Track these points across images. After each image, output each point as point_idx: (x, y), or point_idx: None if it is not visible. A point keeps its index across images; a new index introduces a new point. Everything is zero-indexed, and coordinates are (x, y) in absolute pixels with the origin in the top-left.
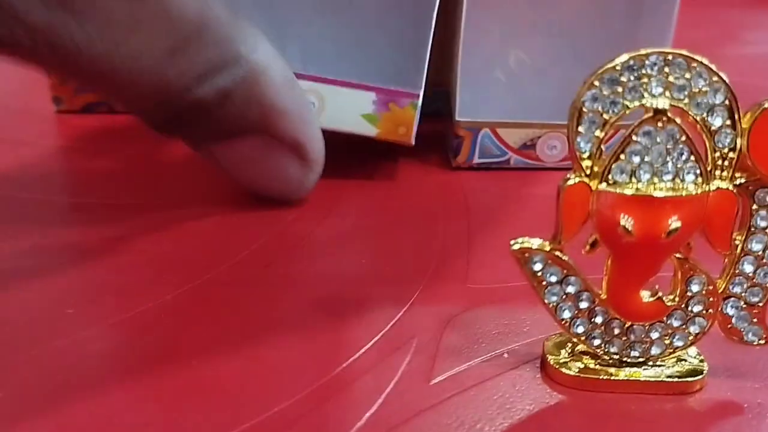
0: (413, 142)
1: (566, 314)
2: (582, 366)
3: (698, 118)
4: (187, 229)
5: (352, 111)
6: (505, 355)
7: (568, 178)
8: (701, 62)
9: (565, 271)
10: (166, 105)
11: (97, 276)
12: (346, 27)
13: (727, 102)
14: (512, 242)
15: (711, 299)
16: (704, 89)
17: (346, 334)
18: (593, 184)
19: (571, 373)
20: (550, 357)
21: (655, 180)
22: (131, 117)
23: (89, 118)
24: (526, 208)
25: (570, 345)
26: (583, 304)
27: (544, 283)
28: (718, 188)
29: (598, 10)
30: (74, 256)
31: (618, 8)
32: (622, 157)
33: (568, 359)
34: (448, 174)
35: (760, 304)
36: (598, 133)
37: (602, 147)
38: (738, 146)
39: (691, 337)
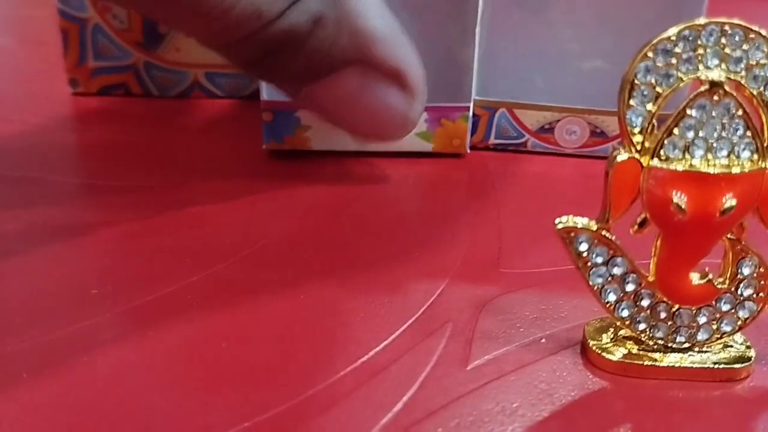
0: (468, 151)
1: (611, 297)
2: (625, 351)
3: (755, 92)
4: (206, 212)
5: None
6: (543, 341)
7: (618, 154)
8: (759, 33)
9: (611, 252)
10: (259, 36)
11: (117, 258)
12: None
13: None
14: (557, 221)
15: (762, 282)
16: (762, 62)
17: (377, 318)
18: (644, 160)
19: (614, 358)
20: (591, 342)
21: (710, 156)
22: (148, 101)
23: (106, 100)
24: (551, 192)
25: (612, 330)
26: (630, 287)
27: (589, 264)
28: None
29: None
30: (94, 238)
31: None
32: (676, 131)
33: (611, 344)
34: (468, 158)
35: None
36: (650, 107)
37: (654, 121)
38: None
39: (739, 322)
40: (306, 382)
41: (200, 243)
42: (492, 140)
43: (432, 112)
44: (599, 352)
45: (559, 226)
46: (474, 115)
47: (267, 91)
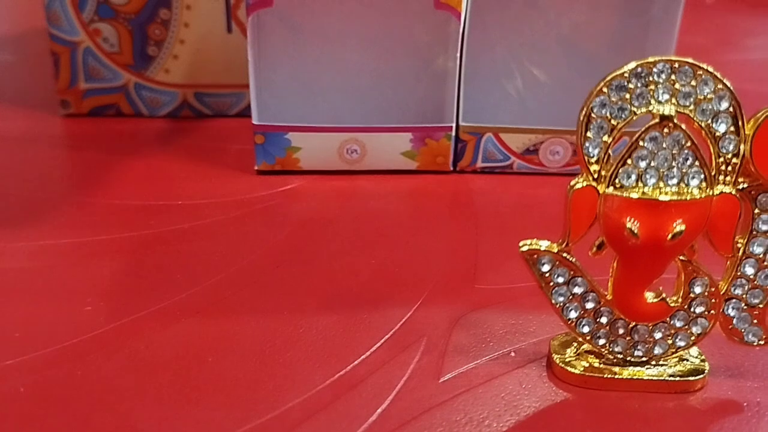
0: (451, 168)
1: (572, 314)
2: (587, 365)
3: (703, 125)
4: (195, 230)
5: (391, 151)
6: (512, 354)
7: (576, 182)
8: (707, 70)
9: (572, 273)
10: None
11: (108, 274)
12: (378, 74)
13: (731, 109)
14: (521, 244)
15: (713, 300)
16: (709, 96)
17: (356, 333)
18: (600, 187)
19: (577, 371)
20: (556, 356)
21: (661, 184)
22: (138, 120)
23: (97, 121)
24: (530, 211)
25: (575, 344)
26: (589, 305)
27: (551, 283)
28: (721, 193)
29: (602, 21)
30: (86, 255)
31: (621, 19)
32: (629, 161)
33: (574, 358)
34: (453, 177)
35: (761, 306)
36: (606, 138)
37: (609, 152)
38: (741, 152)
39: (693, 338)
40: (286, 395)
41: (189, 260)
42: (479, 164)
43: (417, 132)
44: (563, 365)
45: (523, 248)
46: (461, 140)
47: (258, 115)
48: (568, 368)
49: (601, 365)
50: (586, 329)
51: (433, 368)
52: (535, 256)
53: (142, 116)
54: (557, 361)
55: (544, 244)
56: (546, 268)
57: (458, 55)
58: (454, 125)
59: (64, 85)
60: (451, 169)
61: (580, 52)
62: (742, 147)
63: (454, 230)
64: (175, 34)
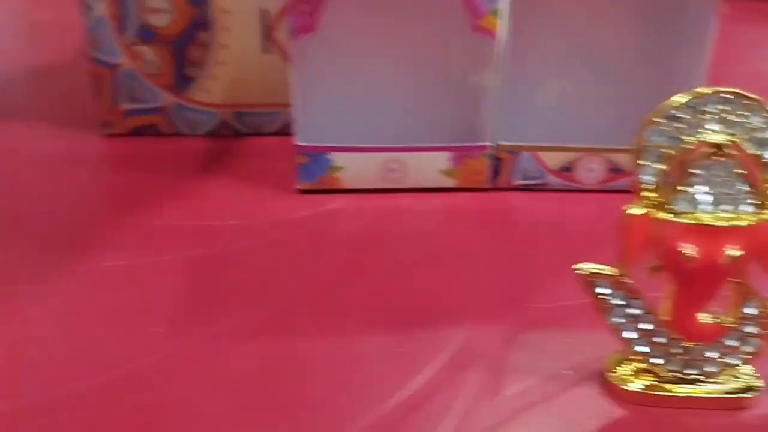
0: (488, 185)
1: (629, 335)
2: (642, 383)
3: (754, 152)
4: (246, 250)
5: (431, 170)
6: (568, 373)
7: (631, 208)
8: (756, 99)
9: (629, 295)
10: None
11: (169, 295)
12: (416, 95)
13: None
14: (577, 267)
15: (765, 321)
16: (760, 126)
17: (416, 352)
18: (655, 213)
19: (632, 389)
20: (611, 374)
21: (715, 210)
22: (177, 139)
23: (137, 141)
24: (570, 228)
25: (630, 363)
26: (645, 326)
27: (608, 305)
28: None
29: (635, 38)
30: (143, 276)
31: (654, 35)
32: (683, 188)
33: (629, 376)
34: (490, 194)
35: None
36: (659, 166)
37: (663, 178)
38: None
39: (746, 356)
40: (354, 414)
41: (245, 280)
42: (516, 181)
43: (455, 151)
44: (618, 383)
45: (580, 272)
46: (498, 158)
47: (301, 136)
48: (624, 386)
49: (656, 383)
50: (642, 349)
51: (492, 387)
52: (593, 279)
53: (182, 135)
54: (613, 380)
55: (600, 268)
56: (603, 290)
57: (495, 75)
58: (491, 144)
59: (105, 107)
60: (488, 186)
61: (615, 70)
62: None
63: (497, 247)
64: (214, 55)
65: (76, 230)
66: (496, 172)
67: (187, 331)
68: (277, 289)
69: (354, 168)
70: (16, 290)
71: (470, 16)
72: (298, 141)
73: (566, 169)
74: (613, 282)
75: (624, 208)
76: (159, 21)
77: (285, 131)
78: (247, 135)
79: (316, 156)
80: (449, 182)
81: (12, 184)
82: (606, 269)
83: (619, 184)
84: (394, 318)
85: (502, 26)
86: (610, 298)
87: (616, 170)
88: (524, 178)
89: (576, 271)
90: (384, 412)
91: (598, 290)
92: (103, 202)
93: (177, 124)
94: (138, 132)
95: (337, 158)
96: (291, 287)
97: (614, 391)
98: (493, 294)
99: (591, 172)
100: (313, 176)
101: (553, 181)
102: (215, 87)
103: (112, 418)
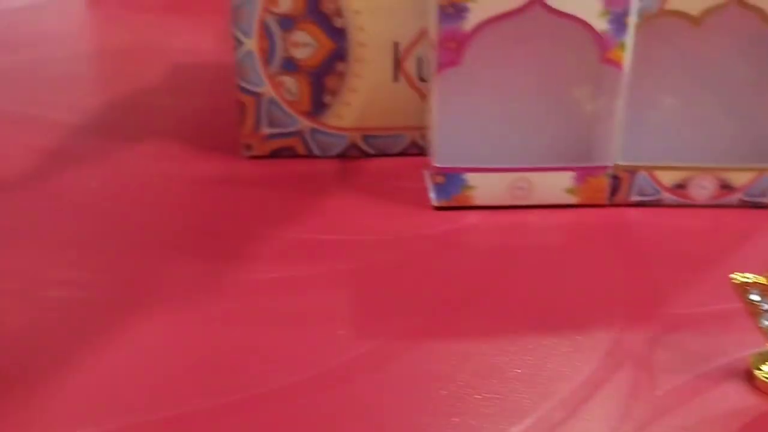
0: (607, 202)
1: None
2: None
3: None
4: (398, 261)
5: (556, 188)
6: (714, 371)
7: None
8: None
9: None
10: None
11: (344, 301)
12: (542, 118)
13: None
14: (732, 276)
15: None
16: None
17: (573, 353)
18: None
19: None
20: (757, 371)
21: None
22: (311, 160)
23: (276, 162)
24: (688, 240)
25: None
26: None
27: (759, 309)
28: None
29: (745, 65)
30: (313, 286)
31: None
32: None
33: None
34: (609, 210)
35: None
36: None
37: None
38: None
39: None
40: (529, 409)
41: (406, 287)
42: (632, 198)
43: (579, 171)
44: (765, 379)
45: (735, 281)
46: (617, 177)
47: (439, 158)
48: None
49: None
50: None
51: (648, 384)
52: (746, 287)
53: (315, 157)
54: (759, 376)
55: (752, 277)
56: (755, 297)
57: (618, 101)
58: (611, 164)
59: (248, 131)
60: (607, 202)
61: (727, 95)
62: None
63: (623, 258)
64: (348, 84)
65: (242, 245)
66: (614, 189)
67: (374, 333)
68: (438, 295)
69: (485, 187)
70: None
71: (600, 49)
72: (436, 163)
73: (680, 186)
74: (764, 289)
75: None
76: (301, 54)
77: (408, 152)
78: (373, 156)
79: (453, 176)
80: (572, 199)
81: (168, 203)
82: (757, 277)
83: (729, 200)
84: (547, 322)
85: (626, 57)
86: (762, 303)
87: (726, 187)
88: (640, 195)
89: (733, 281)
90: (556, 405)
91: (752, 297)
92: (251, 218)
93: (311, 146)
94: (276, 154)
95: (471, 178)
96: (443, 294)
97: (761, 386)
98: (629, 301)
99: (703, 189)
100: (448, 195)
101: (667, 197)
102: (347, 112)
103: (308, 415)
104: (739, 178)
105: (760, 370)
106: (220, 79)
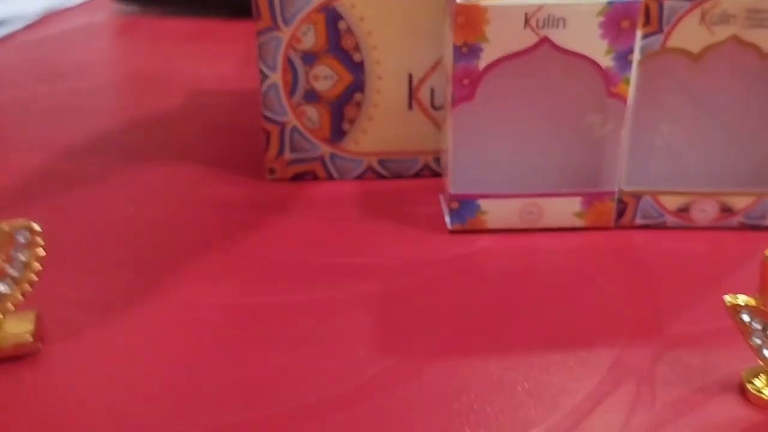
0: (613, 225)
1: (767, 353)
2: None
3: None
4: (417, 285)
5: (564, 212)
6: (709, 385)
7: None
8: None
9: (767, 321)
10: None
11: (366, 324)
12: (551, 147)
13: None
14: (726, 298)
15: None
16: None
17: (578, 370)
18: None
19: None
20: (749, 385)
21: None
22: (330, 183)
23: (297, 185)
24: (690, 262)
25: (764, 375)
26: None
27: (750, 329)
28: None
29: (743, 97)
30: (335, 310)
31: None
32: None
33: (765, 386)
34: (614, 232)
35: None
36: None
37: None
38: None
39: None
40: (538, 422)
41: (424, 310)
42: (637, 221)
43: (586, 197)
44: (756, 392)
45: (728, 303)
46: (622, 201)
47: (454, 186)
48: (761, 395)
49: None
50: None
51: (649, 398)
52: (738, 308)
53: (334, 179)
54: (751, 389)
55: (743, 299)
56: (746, 318)
57: (623, 132)
58: (617, 189)
59: (272, 156)
60: (613, 225)
61: (725, 126)
62: None
63: (629, 279)
64: (366, 112)
65: (265, 268)
66: (620, 213)
67: (391, 353)
68: (446, 317)
69: (498, 211)
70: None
71: (606, 84)
72: (452, 190)
73: (682, 210)
74: (753, 311)
75: (766, 252)
76: (322, 86)
77: (422, 174)
78: (389, 178)
79: (467, 203)
80: (579, 223)
81: (193, 226)
82: (748, 299)
83: (729, 223)
84: (555, 341)
85: (631, 91)
86: (752, 323)
87: (726, 210)
88: (644, 218)
89: (726, 302)
90: (557, 422)
91: (743, 317)
92: (276, 242)
93: (330, 170)
94: (297, 177)
95: (484, 204)
96: (457, 316)
97: (752, 399)
98: (633, 319)
99: (704, 212)
100: (463, 219)
101: (670, 220)
102: (364, 139)
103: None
104: (739, 202)
105: (752, 383)
106: (242, 105)
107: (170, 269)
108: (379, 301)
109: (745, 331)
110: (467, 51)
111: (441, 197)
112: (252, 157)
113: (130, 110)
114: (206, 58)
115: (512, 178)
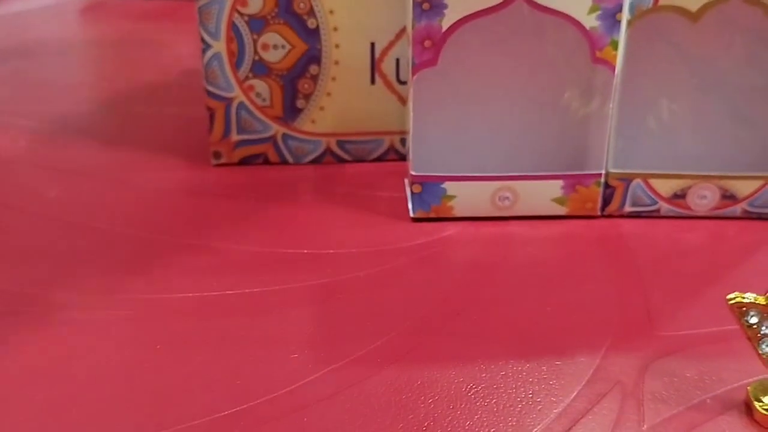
0: (600, 213)
1: None
2: None
3: None
4: (370, 277)
5: (542, 198)
6: (708, 401)
7: None
8: None
9: None
10: None
11: (304, 322)
12: (527, 124)
13: None
14: (729, 297)
15: None
16: None
17: (551, 380)
18: None
19: None
20: (757, 403)
21: None
22: (283, 167)
23: (246, 170)
24: (686, 256)
25: None
26: None
27: (759, 334)
28: None
29: (748, 66)
30: (275, 303)
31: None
32: None
33: None
34: (600, 221)
35: None
36: None
37: None
38: None
39: None
40: None
41: (373, 307)
42: (627, 208)
43: (568, 179)
44: (765, 412)
45: (731, 301)
46: (609, 186)
47: (416, 166)
48: None
49: None
50: None
51: (635, 417)
52: (743, 308)
53: (288, 164)
54: (759, 408)
55: (750, 297)
56: (754, 320)
57: (610, 104)
58: (603, 172)
59: (217, 138)
60: (598, 213)
61: (727, 99)
62: None
63: (615, 275)
64: (323, 87)
65: (204, 258)
66: (606, 199)
67: (330, 357)
68: (408, 315)
69: (467, 196)
70: (133, 319)
71: (590, 48)
72: (413, 170)
73: (678, 196)
74: (764, 311)
75: None
76: (272, 57)
77: (386, 158)
78: (349, 162)
79: (431, 185)
80: (560, 210)
81: (128, 214)
82: (756, 297)
83: (731, 211)
84: (525, 345)
85: (619, 56)
86: (761, 326)
87: (728, 197)
88: (634, 205)
89: (729, 301)
90: None
91: (750, 319)
92: (219, 231)
93: (283, 153)
94: (246, 161)
95: (451, 187)
96: (421, 313)
97: (760, 420)
98: (618, 321)
99: (703, 199)
100: (426, 205)
101: (665, 208)
102: (321, 117)
103: None
104: (743, 188)
105: (761, 401)
106: (195, 86)
107: (92, 259)
108: (326, 296)
109: (753, 336)
110: (429, 7)
111: (405, 181)
112: (198, 139)
113: (84, 89)
114: (167, 37)
115: (483, 158)
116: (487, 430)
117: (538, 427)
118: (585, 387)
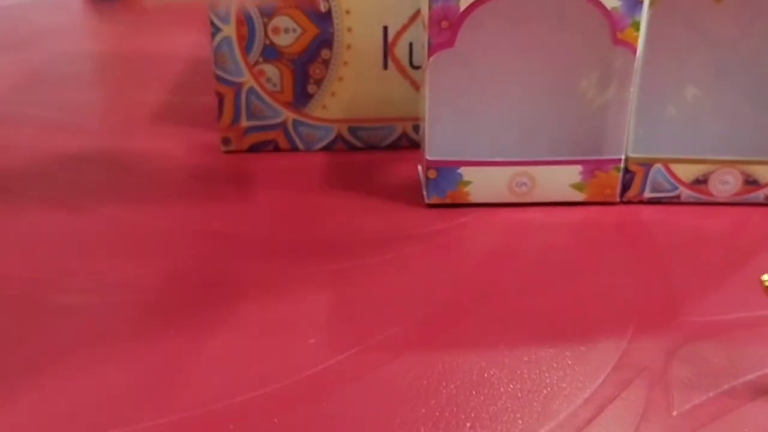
0: (619, 200)
1: None
2: None
3: None
4: (387, 263)
5: (560, 183)
6: (738, 388)
7: None
8: None
9: None
10: None
11: (321, 306)
12: (545, 109)
13: None
14: (763, 277)
15: None
16: None
17: (577, 366)
18: None
19: None
20: None
21: None
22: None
23: (256, 157)
24: (708, 243)
25: None
26: None
27: None
28: None
29: None
30: (292, 289)
31: None
32: None
33: None
34: (620, 207)
35: None
36: None
37: None
38: None
39: None
40: (530, 428)
41: (391, 292)
42: (646, 194)
43: (587, 164)
44: None
45: (766, 283)
46: (629, 171)
47: (431, 150)
48: None
49: None
50: None
51: (663, 403)
52: None
53: (299, 151)
54: None
55: None
56: None
57: (631, 88)
58: (623, 157)
59: (226, 124)
60: (618, 199)
61: (750, 83)
62: None
63: (636, 261)
64: (335, 72)
65: (217, 245)
66: (626, 185)
67: (348, 343)
68: (427, 300)
69: (483, 182)
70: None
71: (611, 29)
72: (428, 155)
73: (699, 182)
74: None
75: None
76: (283, 41)
77: (399, 144)
78: (361, 149)
79: (446, 170)
80: (578, 196)
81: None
82: None
83: (754, 197)
84: (549, 330)
85: (640, 38)
86: None
87: (751, 182)
88: (654, 191)
89: (764, 282)
90: (561, 423)
91: None
92: (229, 219)
93: (294, 140)
94: (255, 148)
95: (467, 173)
96: (432, 300)
97: None
98: (641, 308)
99: (725, 184)
100: (442, 191)
101: (686, 194)
102: (333, 103)
103: (286, 425)
104: (766, 173)
105: None
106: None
107: (103, 245)
108: (342, 283)
109: None
110: None
111: (419, 168)
112: (207, 126)
113: (92, 80)
114: (178, 27)
115: (501, 144)
116: (512, 415)
117: (565, 413)
118: (611, 373)
